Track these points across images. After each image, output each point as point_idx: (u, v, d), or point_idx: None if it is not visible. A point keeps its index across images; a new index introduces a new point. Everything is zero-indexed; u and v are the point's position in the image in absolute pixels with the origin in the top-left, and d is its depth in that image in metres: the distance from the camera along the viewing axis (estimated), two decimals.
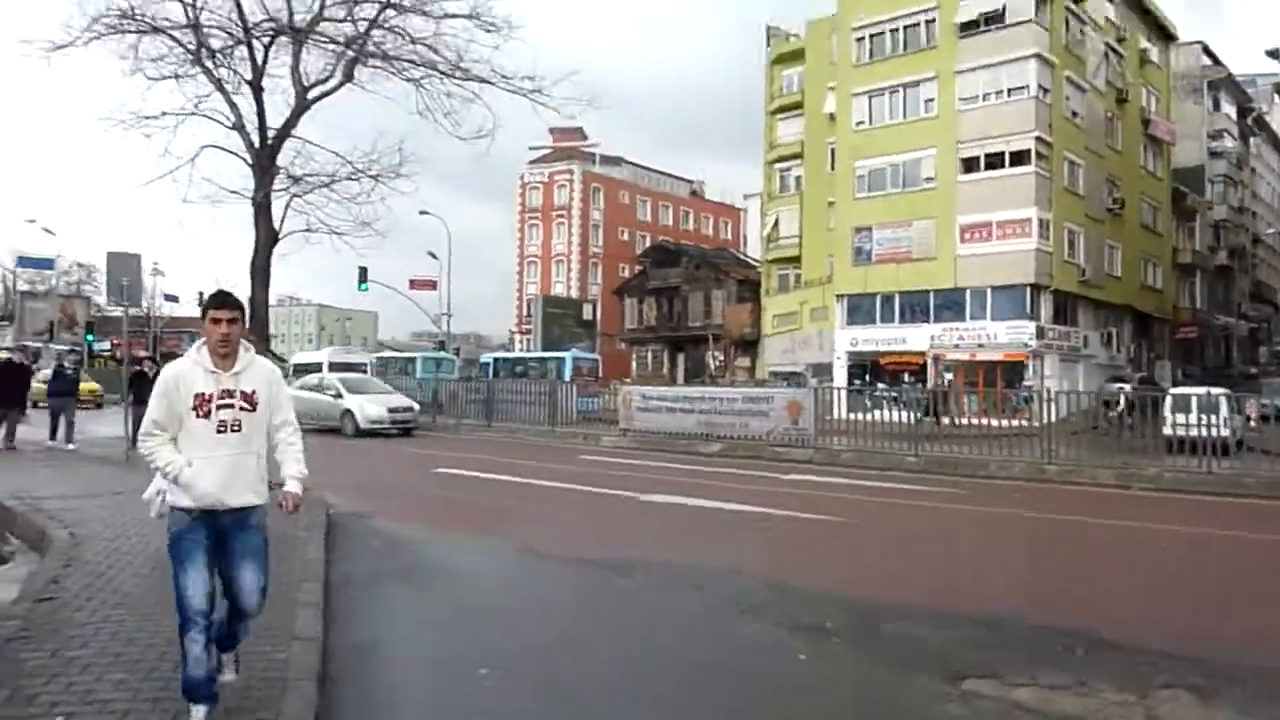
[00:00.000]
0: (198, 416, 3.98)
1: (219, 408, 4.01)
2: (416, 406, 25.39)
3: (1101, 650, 5.63)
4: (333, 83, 13.18)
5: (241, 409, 4.06)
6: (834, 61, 41.23)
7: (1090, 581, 7.88)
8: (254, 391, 4.11)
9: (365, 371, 38.52)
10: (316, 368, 40.17)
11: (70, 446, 16.94)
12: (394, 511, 11.05)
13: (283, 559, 6.28)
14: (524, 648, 5.72)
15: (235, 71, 12.69)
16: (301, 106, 13.03)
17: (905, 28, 36.80)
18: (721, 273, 57.98)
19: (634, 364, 60.61)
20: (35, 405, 19.68)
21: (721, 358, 52.23)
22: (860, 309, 37.70)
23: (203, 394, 3.99)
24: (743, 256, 66.17)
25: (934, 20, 35.87)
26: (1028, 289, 33.55)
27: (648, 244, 69.77)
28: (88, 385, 31.18)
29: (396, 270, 65.85)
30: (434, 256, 48.81)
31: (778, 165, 50.67)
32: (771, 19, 52.25)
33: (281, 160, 12.79)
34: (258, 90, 12.87)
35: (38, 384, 20.90)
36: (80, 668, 4.61)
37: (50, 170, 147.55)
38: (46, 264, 56.43)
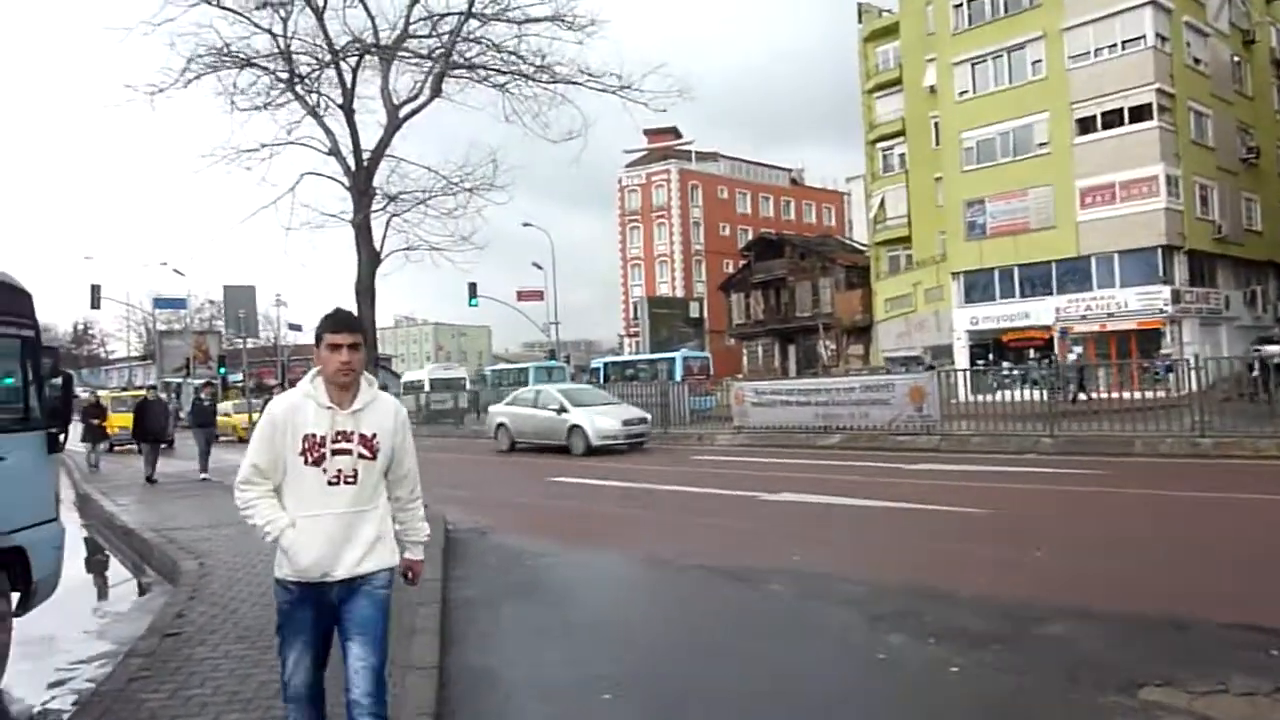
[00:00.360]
0: (306, 463, 3.29)
1: (334, 453, 3.31)
2: (649, 417, 22.36)
3: None
4: (422, 99, 13.17)
5: (360, 456, 3.35)
6: (931, 32, 39.89)
7: (1275, 569, 7.05)
8: (375, 436, 3.39)
9: (464, 385, 39.51)
10: (420, 385, 41.73)
11: (204, 476, 17.57)
12: (512, 525, 10.96)
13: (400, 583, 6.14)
14: (649, 669, 5.40)
15: (325, 96, 12.88)
16: (393, 125, 13.07)
17: None
18: (827, 260, 56.70)
19: (744, 359, 59.96)
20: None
21: (833, 347, 51.12)
22: (978, 285, 36.32)
23: (314, 435, 3.30)
24: (848, 241, 64.63)
25: None
26: (1159, 251, 31.66)
27: (750, 237, 68.84)
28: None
29: (504, 283, 67.02)
30: (538, 267, 49.46)
31: (879, 145, 49.37)
32: None
33: (377, 180, 12.90)
34: (349, 113, 12.98)
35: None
36: (199, 706, 4.55)
37: (175, 212, 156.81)
38: (180, 303, 59.71)
